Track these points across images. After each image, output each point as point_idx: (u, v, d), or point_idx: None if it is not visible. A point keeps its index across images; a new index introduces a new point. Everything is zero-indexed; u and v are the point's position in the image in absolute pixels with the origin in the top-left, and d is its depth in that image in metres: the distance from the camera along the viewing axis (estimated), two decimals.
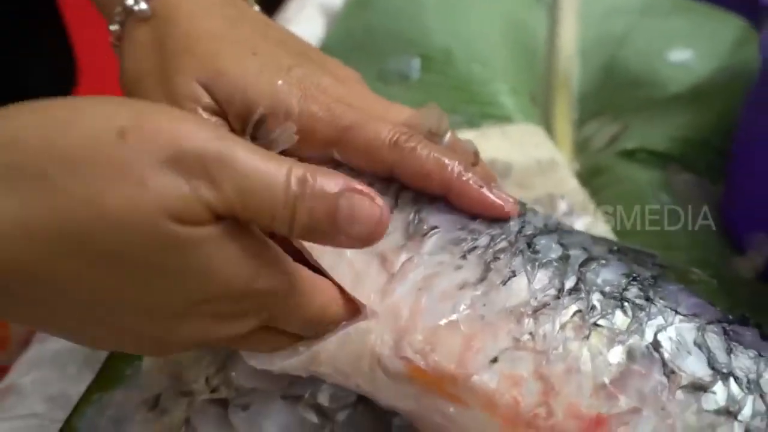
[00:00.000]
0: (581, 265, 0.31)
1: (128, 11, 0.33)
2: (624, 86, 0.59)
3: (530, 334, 0.28)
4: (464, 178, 0.32)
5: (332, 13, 0.68)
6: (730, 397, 0.28)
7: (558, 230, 0.33)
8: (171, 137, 0.23)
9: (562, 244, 0.31)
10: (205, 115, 0.32)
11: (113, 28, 0.34)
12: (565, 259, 0.31)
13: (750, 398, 0.28)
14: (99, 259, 0.23)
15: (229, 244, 0.25)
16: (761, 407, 0.28)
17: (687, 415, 0.27)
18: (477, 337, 0.29)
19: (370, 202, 0.25)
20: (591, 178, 0.51)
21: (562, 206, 0.46)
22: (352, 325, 0.29)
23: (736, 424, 0.27)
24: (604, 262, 0.31)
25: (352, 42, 0.62)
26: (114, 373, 0.35)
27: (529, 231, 0.32)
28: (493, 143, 0.52)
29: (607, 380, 0.28)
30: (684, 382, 0.28)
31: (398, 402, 0.31)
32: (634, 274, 0.31)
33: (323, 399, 0.35)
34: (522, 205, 0.34)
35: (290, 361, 0.30)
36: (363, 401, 0.34)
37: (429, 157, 0.31)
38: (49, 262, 0.23)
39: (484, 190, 0.32)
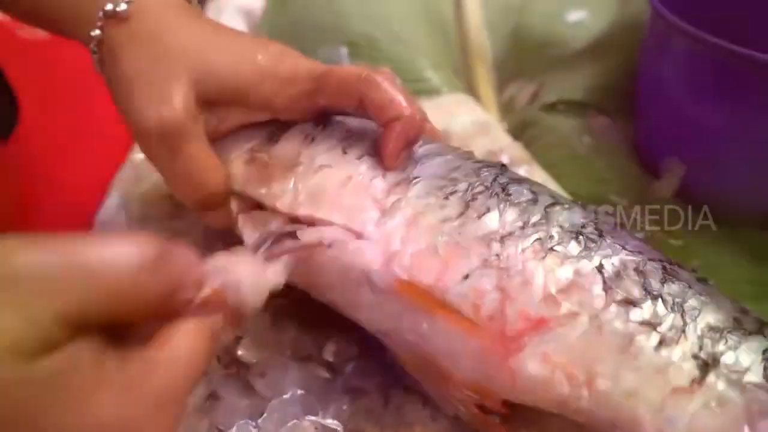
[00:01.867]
0: (547, 206, 0.35)
1: (109, 14, 0.35)
2: (532, 49, 0.64)
3: (497, 255, 0.33)
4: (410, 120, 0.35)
5: (251, 14, 0.69)
6: (655, 313, 0.32)
7: (528, 181, 0.37)
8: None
9: (532, 191, 0.36)
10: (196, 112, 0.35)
11: (94, 33, 0.36)
12: (533, 201, 0.35)
13: (671, 315, 0.32)
14: None
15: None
16: (679, 323, 0.31)
17: (614, 322, 0.32)
18: (452, 258, 0.33)
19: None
20: (521, 133, 0.57)
21: (504, 159, 0.51)
22: (350, 240, 0.33)
23: (653, 333, 0.31)
24: (567, 206, 0.36)
25: (278, 39, 0.64)
26: None
27: (503, 180, 0.36)
28: (429, 115, 0.56)
29: (554, 291, 0.32)
30: (618, 297, 0.32)
31: (377, 319, 0.35)
32: (593, 218, 0.35)
33: (328, 355, 0.38)
34: (498, 164, 0.38)
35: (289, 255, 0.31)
36: (365, 353, 0.38)
37: (392, 88, 0.35)
38: None
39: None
